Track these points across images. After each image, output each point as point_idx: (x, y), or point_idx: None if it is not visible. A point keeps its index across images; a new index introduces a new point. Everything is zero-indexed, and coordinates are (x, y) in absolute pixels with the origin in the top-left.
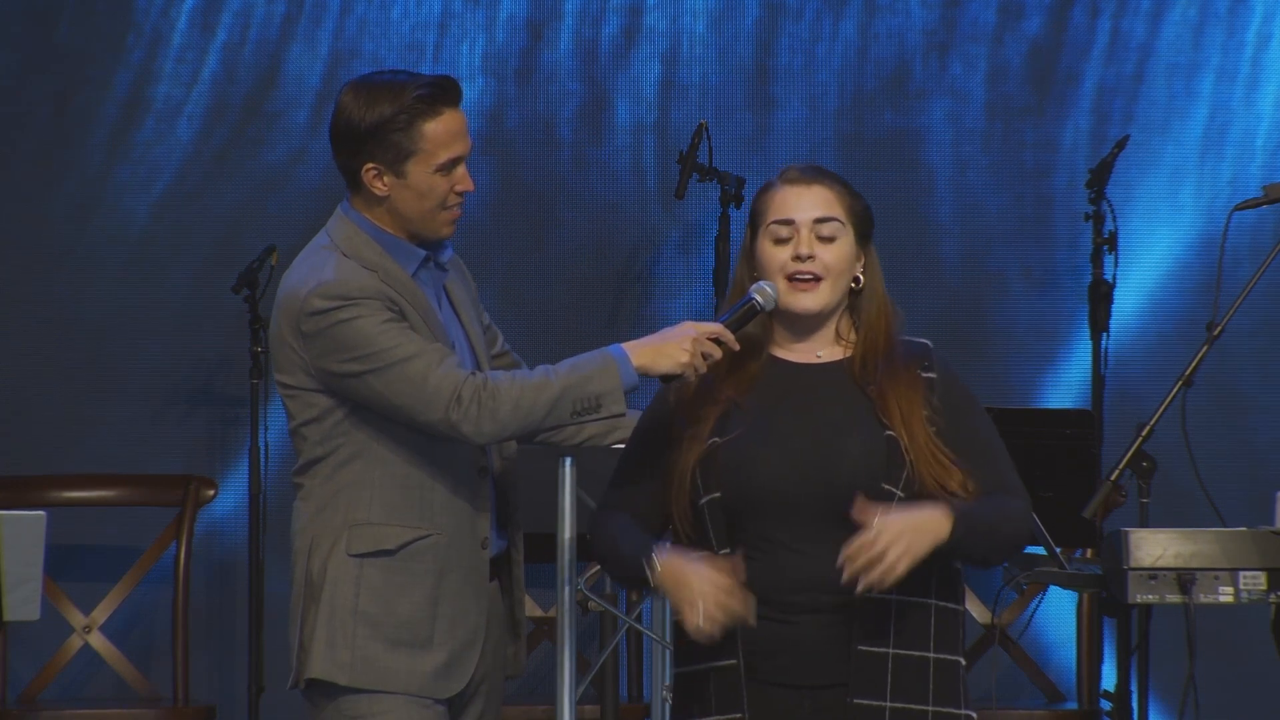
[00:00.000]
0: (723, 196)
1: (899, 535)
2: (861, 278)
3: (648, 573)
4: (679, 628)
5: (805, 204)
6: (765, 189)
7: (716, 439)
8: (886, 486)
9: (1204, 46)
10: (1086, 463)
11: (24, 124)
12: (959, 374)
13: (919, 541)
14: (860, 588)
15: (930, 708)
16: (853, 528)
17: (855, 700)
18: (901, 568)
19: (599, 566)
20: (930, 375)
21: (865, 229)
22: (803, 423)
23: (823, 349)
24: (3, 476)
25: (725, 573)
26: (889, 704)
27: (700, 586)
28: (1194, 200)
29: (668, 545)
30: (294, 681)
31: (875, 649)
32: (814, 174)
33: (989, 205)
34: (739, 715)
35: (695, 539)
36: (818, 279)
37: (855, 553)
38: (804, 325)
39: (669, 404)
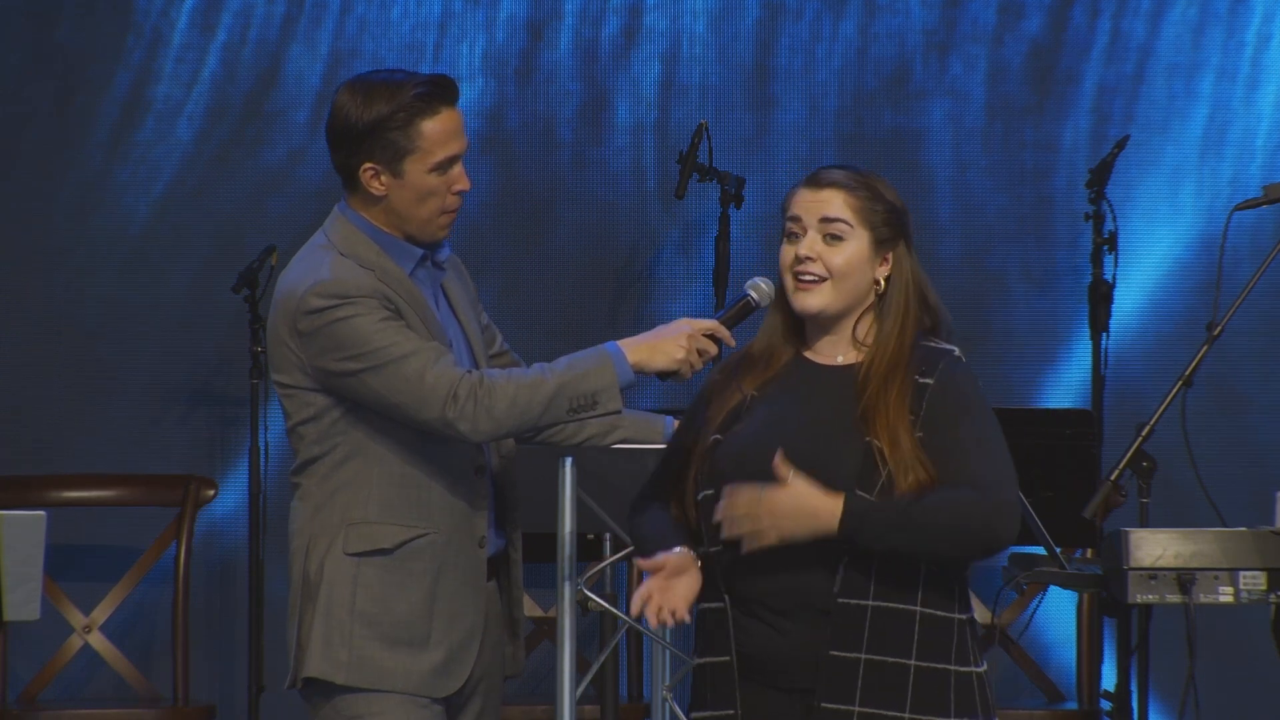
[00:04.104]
0: (723, 196)
1: (779, 515)
2: (883, 282)
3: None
4: (694, 621)
5: (814, 205)
6: (792, 188)
7: (718, 436)
8: (860, 494)
9: (1204, 46)
10: (1086, 463)
11: (24, 124)
12: (976, 383)
13: (795, 528)
14: (725, 534)
15: (906, 715)
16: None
17: (824, 704)
18: (767, 540)
19: (599, 566)
20: (926, 381)
21: (884, 233)
22: (796, 425)
23: (843, 352)
24: (3, 476)
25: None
26: (857, 709)
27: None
28: (1194, 200)
29: (679, 549)
30: (291, 681)
31: (847, 654)
32: (832, 176)
33: (989, 205)
34: (731, 712)
35: (698, 535)
36: (820, 280)
37: (733, 504)
38: (816, 325)
39: (703, 396)
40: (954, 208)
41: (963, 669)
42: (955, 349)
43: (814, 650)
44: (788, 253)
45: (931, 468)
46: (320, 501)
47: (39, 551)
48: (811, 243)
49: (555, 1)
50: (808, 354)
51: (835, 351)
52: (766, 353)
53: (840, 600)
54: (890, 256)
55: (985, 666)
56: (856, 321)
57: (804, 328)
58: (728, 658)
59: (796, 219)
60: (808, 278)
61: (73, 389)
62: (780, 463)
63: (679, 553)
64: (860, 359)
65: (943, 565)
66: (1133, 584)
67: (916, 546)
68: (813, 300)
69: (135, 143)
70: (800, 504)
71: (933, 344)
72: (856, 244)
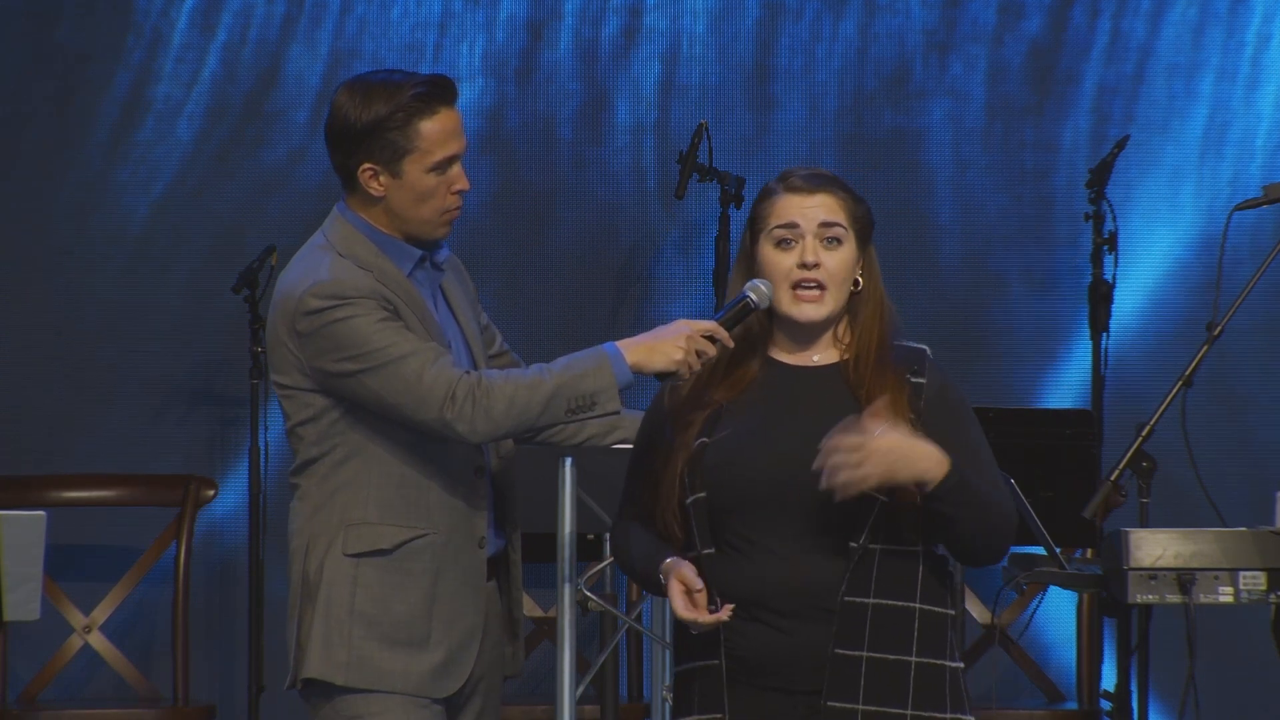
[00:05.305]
0: (723, 196)
1: (886, 452)
2: (860, 280)
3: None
4: (678, 627)
5: (810, 210)
6: (767, 194)
7: (704, 439)
8: (867, 490)
9: (1204, 46)
10: (1086, 463)
11: (24, 124)
12: (956, 381)
13: (903, 467)
14: (823, 484)
15: (909, 711)
16: (835, 532)
17: (829, 703)
18: (870, 483)
19: (599, 566)
20: (919, 380)
21: (866, 233)
22: (790, 425)
23: (820, 352)
24: (3, 476)
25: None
26: (861, 707)
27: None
28: (1194, 200)
29: (672, 557)
30: (291, 681)
31: (851, 653)
32: (817, 180)
33: (989, 206)
34: (719, 715)
35: (685, 540)
36: (822, 288)
37: (835, 447)
38: (805, 333)
39: (664, 408)
40: (954, 208)
41: (953, 664)
42: (925, 347)
43: (819, 651)
44: (783, 260)
45: None
46: (319, 502)
47: (39, 551)
48: (814, 249)
49: (555, 1)
50: (780, 357)
51: (812, 353)
52: (732, 362)
53: (846, 599)
54: (864, 254)
55: (963, 664)
56: (838, 321)
57: (774, 332)
58: (716, 661)
59: (793, 225)
60: (810, 285)
61: (73, 389)
62: (872, 413)
63: (671, 563)
64: (839, 358)
65: (962, 556)
66: (1133, 584)
67: (971, 524)
68: (816, 310)
69: (135, 143)
70: (914, 444)
71: (901, 342)
72: (849, 247)
